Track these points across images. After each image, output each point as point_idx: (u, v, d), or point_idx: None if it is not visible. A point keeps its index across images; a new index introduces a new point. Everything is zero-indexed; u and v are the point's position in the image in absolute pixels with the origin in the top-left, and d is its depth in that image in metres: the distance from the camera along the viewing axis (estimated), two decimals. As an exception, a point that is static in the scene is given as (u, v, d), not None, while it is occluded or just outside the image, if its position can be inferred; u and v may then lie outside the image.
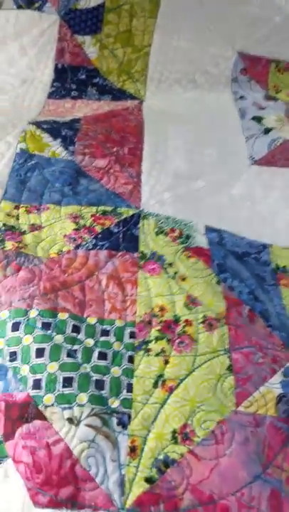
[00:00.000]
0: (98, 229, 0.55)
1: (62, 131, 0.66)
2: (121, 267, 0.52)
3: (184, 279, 0.51)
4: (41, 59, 0.82)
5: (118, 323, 0.47)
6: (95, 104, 0.79)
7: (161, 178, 0.63)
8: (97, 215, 0.57)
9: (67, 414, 0.40)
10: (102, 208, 0.58)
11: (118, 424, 0.41)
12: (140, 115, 0.75)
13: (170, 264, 0.52)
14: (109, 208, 0.58)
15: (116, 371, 0.43)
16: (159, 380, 0.43)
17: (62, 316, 0.46)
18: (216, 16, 0.81)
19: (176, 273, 0.51)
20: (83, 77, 0.83)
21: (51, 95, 0.80)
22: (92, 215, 0.57)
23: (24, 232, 0.54)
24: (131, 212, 0.58)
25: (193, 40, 0.83)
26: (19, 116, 0.71)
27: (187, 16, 0.81)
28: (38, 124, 0.67)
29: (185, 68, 0.84)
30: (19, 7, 0.78)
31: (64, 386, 0.41)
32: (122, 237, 0.55)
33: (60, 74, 0.82)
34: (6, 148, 0.61)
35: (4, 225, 0.54)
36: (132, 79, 0.84)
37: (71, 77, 0.83)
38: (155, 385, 0.42)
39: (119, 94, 0.82)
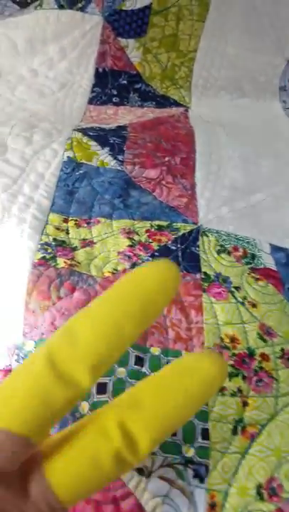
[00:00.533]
0: (154, 246, 0.50)
1: (109, 138, 0.61)
2: (183, 290, 0.46)
3: (254, 306, 0.45)
4: (81, 62, 0.77)
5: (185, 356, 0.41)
6: (138, 111, 0.75)
7: (217, 190, 0.58)
8: (152, 230, 0.52)
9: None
10: (156, 222, 0.53)
11: (194, 476, 0.35)
12: (188, 123, 0.70)
13: (237, 288, 0.47)
14: (164, 223, 0.53)
15: (188, 413, 0.38)
16: (238, 426, 0.37)
17: (123, 345, 0.41)
18: (268, 22, 0.76)
19: (245, 298, 0.46)
20: (124, 82, 0.79)
21: (92, 101, 0.76)
22: (146, 231, 0.52)
23: (76, 248, 0.49)
24: (189, 228, 0.53)
25: (242, 45, 0.78)
26: (62, 122, 0.66)
27: (238, 21, 0.76)
28: (84, 131, 0.62)
29: (231, 75, 0.80)
30: (60, 7, 0.74)
31: (131, 429, 0.36)
32: (181, 256, 0.50)
33: (101, 78, 0.78)
34: (53, 156, 0.56)
35: (55, 239, 0.49)
36: (175, 85, 0.79)
37: (112, 82, 0.78)
38: (234, 431, 0.37)
39: (162, 101, 0.78)
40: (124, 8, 0.75)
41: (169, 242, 0.51)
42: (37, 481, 0.20)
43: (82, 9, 0.75)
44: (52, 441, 0.22)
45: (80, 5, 0.74)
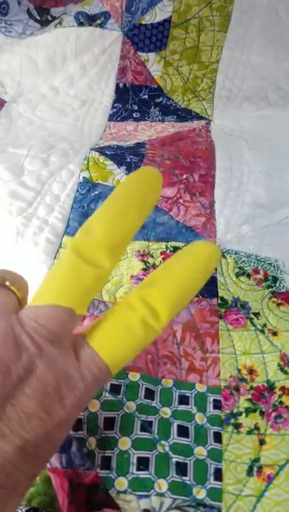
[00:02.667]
0: (170, 269, 0.48)
1: (126, 157, 0.60)
2: (198, 316, 0.44)
3: (275, 334, 0.43)
4: (102, 78, 0.77)
5: (199, 388, 0.39)
6: (158, 126, 0.73)
7: (238, 208, 0.56)
8: (168, 252, 0.51)
9: (144, 504, 0.33)
10: (172, 243, 0.52)
11: (206, 521, 0.33)
12: (209, 137, 0.68)
13: (256, 314, 0.44)
14: (180, 244, 0.52)
15: (200, 452, 0.35)
16: (254, 466, 0.35)
17: (134, 376, 0.39)
18: (292, 28, 0.74)
19: (264, 325, 0.43)
20: (145, 96, 0.78)
21: (112, 117, 0.75)
22: (161, 253, 0.50)
23: (88, 273, 0.48)
24: (206, 249, 0.51)
25: (266, 54, 0.76)
26: (80, 141, 0.66)
27: (261, 29, 0.74)
28: (101, 151, 0.61)
29: (256, 85, 0.77)
30: (80, 24, 0.73)
31: (139, 469, 0.34)
32: (197, 279, 0.48)
33: (122, 94, 0.77)
34: (69, 177, 0.56)
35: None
36: (197, 97, 0.77)
37: (133, 97, 0.77)
38: (249, 473, 0.35)
39: (184, 115, 0.76)
40: (143, 22, 0.74)
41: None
42: (84, 349, 0.25)
43: (101, 25, 0.74)
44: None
45: (99, 21, 0.74)
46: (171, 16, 0.73)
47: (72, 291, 0.24)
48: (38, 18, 0.80)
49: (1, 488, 0.19)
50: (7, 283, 0.25)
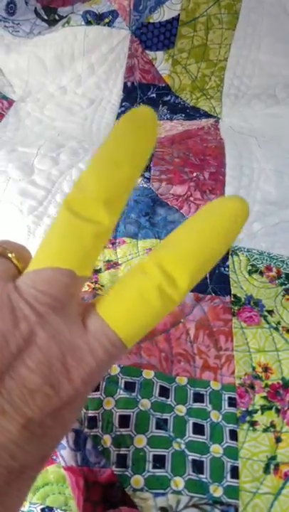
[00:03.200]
0: (182, 267, 0.48)
1: (136, 155, 0.60)
2: (211, 314, 0.44)
3: (289, 331, 0.43)
4: (110, 77, 0.77)
5: (213, 386, 0.39)
6: (167, 124, 0.73)
7: (249, 205, 0.55)
8: (180, 250, 0.50)
9: (160, 502, 0.33)
10: (184, 241, 0.51)
11: (223, 519, 0.33)
12: (218, 135, 0.68)
13: (270, 312, 0.44)
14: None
15: (216, 450, 0.35)
16: (271, 464, 0.35)
17: (148, 374, 0.39)
18: (301, 25, 0.73)
19: (278, 323, 0.43)
20: (153, 95, 0.77)
21: (120, 116, 0.75)
22: (173, 250, 0.50)
23: (100, 270, 0.48)
24: (218, 247, 0.50)
25: (275, 52, 0.75)
26: (89, 140, 0.66)
27: (269, 27, 0.74)
28: (110, 148, 0.61)
29: (264, 82, 0.77)
30: (88, 23, 0.73)
31: (155, 466, 0.34)
32: (209, 277, 0.47)
33: (130, 93, 0.77)
34: (79, 176, 0.55)
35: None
36: (206, 96, 0.77)
37: (141, 96, 0.77)
38: (266, 470, 0.35)
39: (192, 113, 0.76)
40: (151, 20, 0.74)
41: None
42: (94, 319, 0.22)
43: (109, 24, 0.74)
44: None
45: (107, 20, 0.74)
46: (179, 14, 0.73)
47: (70, 251, 0.22)
48: (46, 17, 0.80)
49: (5, 470, 0.18)
50: (6, 252, 0.23)
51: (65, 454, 0.36)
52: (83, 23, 0.74)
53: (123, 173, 0.23)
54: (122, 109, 0.76)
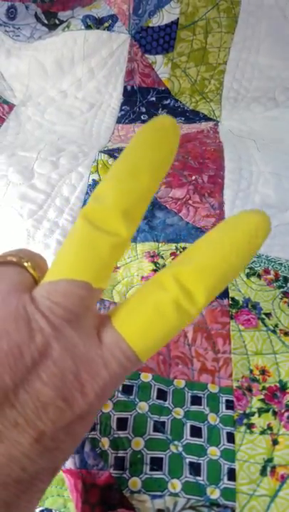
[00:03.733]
0: (180, 270, 0.49)
1: (135, 158, 0.60)
2: (209, 317, 0.45)
3: (287, 334, 0.43)
4: (110, 81, 0.77)
5: (211, 389, 0.39)
6: (166, 128, 0.73)
7: (247, 208, 0.55)
8: (178, 253, 0.51)
9: (158, 504, 0.33)
10: (182, 244, 0.52)
11: (220, 521, 0.33)
12: (218, 138, 0.68)
13: (268, 315, 0.44)
14: (190, 245, 0.52)
15: (213, 452, 0.35)
16: (268, 466, 0.35)
17: (146, 377, 0.40)
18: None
19: (276, 326, 0.43)
20: (153, 99, 0.78)
21: (120, 119, 0.75)
22: (171, 253, 0.51)
23: (99, 274, 0.48)
24: (216, 250, 0.51)
25: (274, 55, 0.76)
26: (89, 144, 0.66)
27: (268, 30, 0.74)
28: (110, 153, 0.62)
29: (264, 85, 0.77)
30: (87, 27, 0.74)
31: (152, 469, 0.34)
32: (207, 280, 0.48)
33: (129, 96, 0.78)
34: (79, 180, 0.56)
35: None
36: (205, 99, 0.78)
37: (140, 100, 0.78)
38: (263, 472, 0.35)
39: (192, 116, 0.76)
40: (150, 24, 0.74)
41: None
42: (109, 332, 0.21)
43: (108, 28, 0.75)
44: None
45: (106, 24, 0.74)
46: (178, 18, 0.74)
47: (87, 263, 0.21)
48: (46, 22, 0.81)
49: (15, 482, 0.18)
50: (22, 262, 0.23)
51: (63, 456, 0.37)
52: (83, 27, 0.75)
53: (142, 184, 0.22)
54: (122, 112, 0.76)
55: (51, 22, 0.81)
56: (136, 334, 0.21)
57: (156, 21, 0.74)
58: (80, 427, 0.20)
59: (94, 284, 0.21)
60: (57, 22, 0.80)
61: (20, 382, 0.18)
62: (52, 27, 0.80)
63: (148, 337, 0.21)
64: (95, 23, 0.75)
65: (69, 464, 0.36)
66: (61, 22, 0.79)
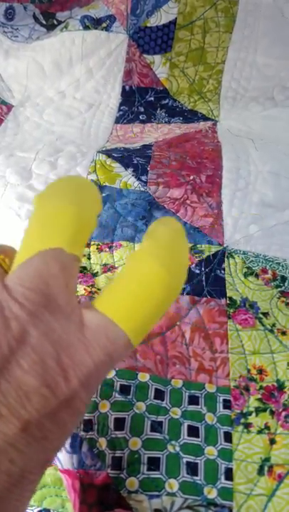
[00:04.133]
0: (178, 270, 0.49)
1: (133, 159, 0.60)
2: (206, 316, 0.45)
3: (284, 333, 0.43)
4: (108, 81, 0.77)
5: (208, 388, 0.39)
6: (165, 128, 0.73)
7: (245, 208, 0.56)
8: (176, 253, 0.51)
9: (155, 504, 0.33)
10: (180, 244, 0.52)
11: (217, 521, 0.33)
12: (216, 138, 0.68)
13: (265, 314, 0.44)
14: (188, 245, 0.52)
15: (211, 452, 0.36)
16: (265, 466, 0.35)
17: (143, 377, 0.40)
18: (298, 27, 0.73)
19: (274, 325, 0.43)
20: (152, 99, 0.78)
21: (118, 120, 0.75)
22: (170, 253, 0.51)
23: (96, 274, 0.48)
24: (213, 250, 0.51)
25: (272, 54, 0.75)
26: (88, 144, 0.66)
27: (266, 30, 0.74)
28: (108, 153, 0.62)
29: (262, 85, 0.77)
30: (85, 28, 0.74)
31: (150, 469, 0.35)
32: (205, 280, 0.48)
33: (128, 96, 0.78)
34: (76, 180, 0.56)
35: (75, 266, 0.48)
36: (204, 99, 0.78)
37: (139, 100, 0.78)
38: (260, 472, 0.35)
39: (190, 116, 0.76)
40: (148, 24, 0.74)
41: (193, 265, 0.49)
42: (93, 315, 0.20)
43: (106, 29, 0.75)
44: None
45: (104, 24, 0.74)
46: (176, 18, 0.74)
47: (54, 229, 0.21)
48: (44, 22, 0.81)
49: (4, 474, 0.17)
50: None
51: (61, 456, 0.37)
52: (81, 27, 0.75)
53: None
54: (120, 112, 0.76)
55: (49, 22, 0.81)
56: (123, 314, 0.20)
57: (154, 21, 0.74)
58: (66, 415, 0.19)
59: (67, 249, 0.20)
60: (55, 22, 0.80)
61: (0, 373, 0.17)
62: (50, 27, 0.80)
63: (137, 315, 0.20)
64: (93, 23, 0.75)
65: (67, 464, 0.36)
66: (59, 22, 0.79)
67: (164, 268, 0.21)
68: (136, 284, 0.21)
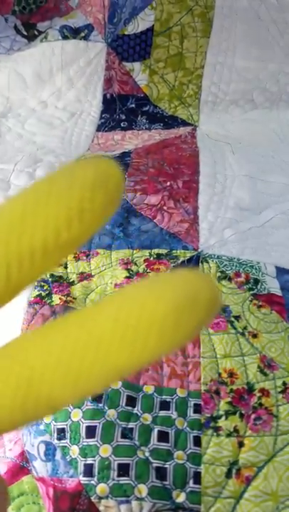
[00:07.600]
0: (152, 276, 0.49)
1: (111, 166, 0.61)
2: (180, 322, 0.45)
3: (255, 336, 0.43)
4: (89, 90, 0.78)
5: (179, 393, 0.40)
6: (145, 134, 0.74)
7: (221, 212, 0.56)
8: (151, 259, 0.51)
9: (124, 509, 0.34)
10: (155, 251, 0.52)
11: (185, 524, 0.34)
12: (194, 143, 0.69)
13: (237, 317, 0.45)
14: (163, 251, 0.52)
15: (180, 456, 0.36)
16: (233, 468, 0.36)
17: (115, 384, 0.40)
18: (275, 29, 0.74)
19: (245, 328, 0.44)
20: (132, 105, 0.79)
21: (100, 128, 0.76)
22: (145, 260, 0.51)
23: (73, 283, 0.49)
24: (188, 255, 0.51)
25: (250, 57, 0.76)
26: (68, 154, 0.67)
27: (243, 33, 0.75)
28: (86, 161, 0.62)
29: (242, 88, 0.78)
30: (64, 37, 0.75)
31: (119, 474, 0.35)
32: (180, 285, 0.48)
33: (109, 104, 0.79)
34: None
35: (52, 275, 0.49)
36: (184, 104, 0.78)
37: (120, 107, 0.78)
38: (228, 475, 0.35)
39: (170, 122, 0.77)
40: (126, 32, 0.75)
41: (168, 271, 0.50)
42: None
43: (85, 38, 0.76)
44: None
45: (83, 34, 0.75)
46: (153, 25, 0.74)
47: None
48: (25, 33, 0.82)
49: None
50: None
51: (36, 464, 0.38)
52: (60, 37, 0.76)
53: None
54: (102, 120, 0.77)
55: (30, 33, 0.82)
56: None
57: (131, 29, 0.75)
58: None
59: None
60: (36, 33, 0.81)
61: None
62: (31, 38, 0.81)
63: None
64: (72, 33, 0.76)
65: (41, 472, 0.37)
66: (40, 33, 0.80)
67: None
68: None
